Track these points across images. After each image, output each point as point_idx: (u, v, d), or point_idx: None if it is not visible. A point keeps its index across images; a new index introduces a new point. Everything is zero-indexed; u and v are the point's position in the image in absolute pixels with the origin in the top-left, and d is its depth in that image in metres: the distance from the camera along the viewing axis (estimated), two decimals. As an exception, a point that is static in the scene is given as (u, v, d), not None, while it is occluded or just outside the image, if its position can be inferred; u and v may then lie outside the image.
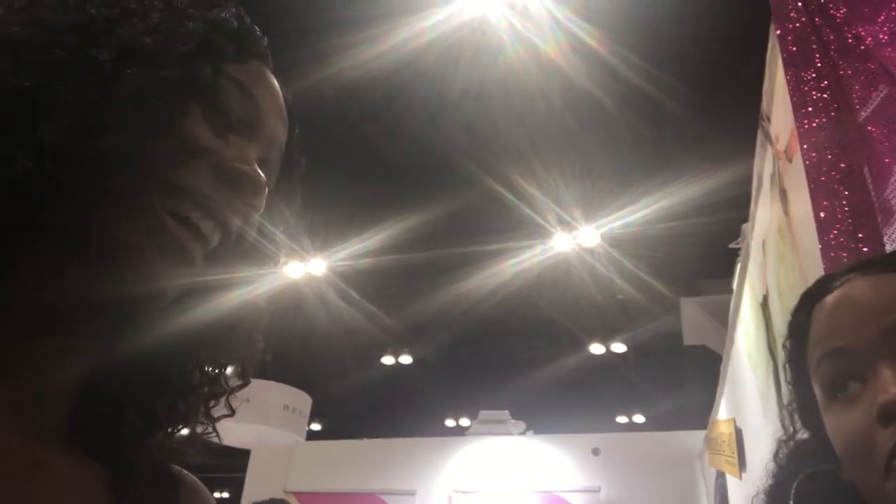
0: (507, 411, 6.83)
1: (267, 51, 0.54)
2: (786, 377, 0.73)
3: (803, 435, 0.71)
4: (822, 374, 0.63)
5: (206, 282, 0.48)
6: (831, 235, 1.24)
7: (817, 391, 0.65)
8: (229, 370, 0.54)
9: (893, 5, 1.24)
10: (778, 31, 1.40)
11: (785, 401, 0.74)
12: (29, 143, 0.40)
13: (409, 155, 4.55)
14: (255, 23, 0.54)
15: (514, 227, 5.13)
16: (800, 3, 1.34)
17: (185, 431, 0.52)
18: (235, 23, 0.51)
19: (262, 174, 0.49)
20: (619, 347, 7.08)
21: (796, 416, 0.71)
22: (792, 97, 1.32)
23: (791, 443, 0.71)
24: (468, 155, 4.49)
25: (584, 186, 4.77)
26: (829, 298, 0.66)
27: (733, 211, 3.54)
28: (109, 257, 0.42)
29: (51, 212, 0.42)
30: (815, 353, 0.65)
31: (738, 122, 2.73)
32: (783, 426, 0.73)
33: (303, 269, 5.78)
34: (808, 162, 1.25)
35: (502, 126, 4.28)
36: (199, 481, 0.54)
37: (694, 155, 4.18)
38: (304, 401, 7.20)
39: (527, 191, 4.75)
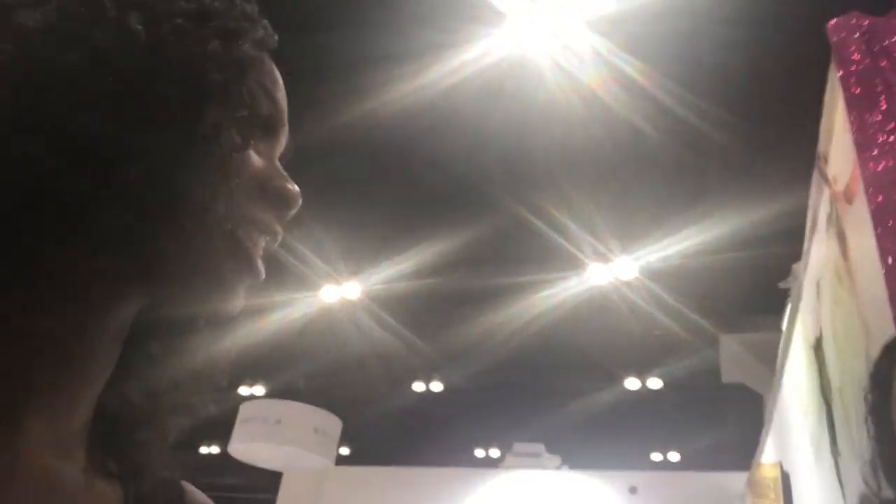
0: (542, 444, 6.69)
1: (275, 43, 0.50)
2: (868, 432, 0.71)
3: (889, 492, 0.68)
4: None
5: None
6: (899, 281, 1.21)
7: (904, 447, 0.63)
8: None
9: (962, 48, 1.22)
10: (840, 73, 1.38)
11: (867, 456, 0.72)
12: (112, 185, 0.38)
13: (446, 183, 4.57)
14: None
15: (552, 257, 5.09)
16: (864, 45, 1.32)
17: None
18: (258, 21, 0.48)
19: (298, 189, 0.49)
20: (655, 383, 6.92)
21: (881, 473, 0.69)
22: (856, 140, 1.30)
23: (877, 500, 0.69)
24: (506, 184, 4.49)
25: (623, 218, 4.72)
26: None
27: (778, 246, 3.46)
28: (194, 282, 0.44)
29: (137, 242, 0.40)
30: (901, 407, 0.63)
31: (787, 155, 2.69)
32: (866, 482, 0.71)
33: (337, 292, 5.81)
34: (873, 206, 1.23)
35: (540, 156, 4.28)
36: (201, 492, 0.54)
37: (739, 187, 4.11)
38: (334, 424, 7.16)
39: (566, 223, 4.72)
